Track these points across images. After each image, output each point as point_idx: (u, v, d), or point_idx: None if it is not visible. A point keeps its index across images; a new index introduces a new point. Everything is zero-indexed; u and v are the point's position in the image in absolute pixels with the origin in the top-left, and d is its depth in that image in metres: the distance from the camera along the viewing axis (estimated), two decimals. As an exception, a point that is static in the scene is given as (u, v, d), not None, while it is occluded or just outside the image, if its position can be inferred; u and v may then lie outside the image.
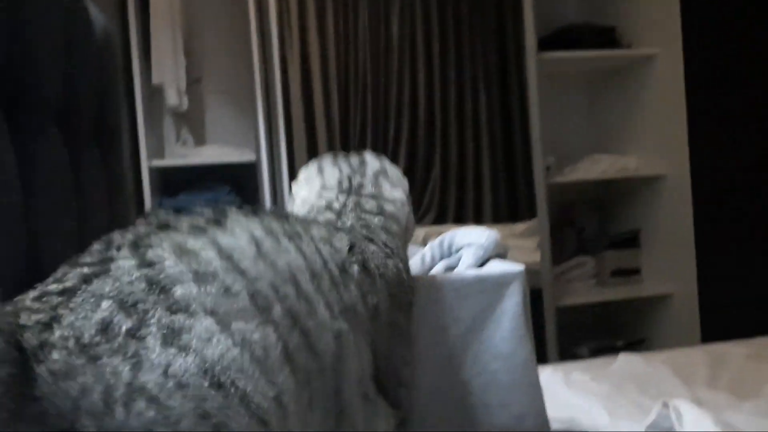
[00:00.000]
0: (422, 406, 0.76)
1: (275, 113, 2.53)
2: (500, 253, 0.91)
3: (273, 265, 0.54)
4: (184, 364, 0.45)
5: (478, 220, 3.02)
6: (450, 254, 0.97)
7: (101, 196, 1.14)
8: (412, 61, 2.97)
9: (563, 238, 2.86)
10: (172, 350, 0.45)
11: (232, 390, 0.46)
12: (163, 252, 0.49)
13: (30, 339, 0.43)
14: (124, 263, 0.48)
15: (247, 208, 0.58)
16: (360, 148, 2.95)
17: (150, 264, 0.48)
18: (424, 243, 2.68)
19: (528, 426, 0.80)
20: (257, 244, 0.54)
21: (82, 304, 0.45)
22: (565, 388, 1.46)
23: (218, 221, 0.54)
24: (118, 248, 0.50)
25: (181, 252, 0.49)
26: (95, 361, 0.43)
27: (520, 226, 2.95)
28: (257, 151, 2.55)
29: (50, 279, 0.49)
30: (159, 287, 0.47)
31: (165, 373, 0.44)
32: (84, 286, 0.46)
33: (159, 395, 0.43)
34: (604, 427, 1.18)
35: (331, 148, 2.91)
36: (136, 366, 0.43)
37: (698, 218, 2.51)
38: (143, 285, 0.47)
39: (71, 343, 0.43)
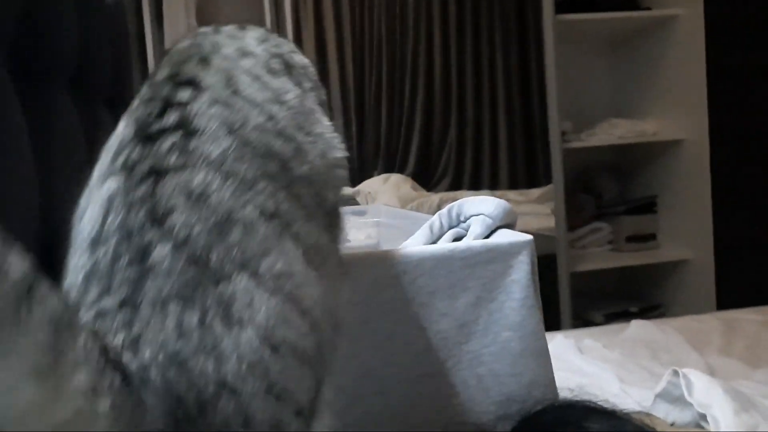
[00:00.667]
0: (433, 376, 0.77)
1: (289, 78, 2.51)
2: (509, 222, 0.91)
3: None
4: (247, 339, 0.43)
5: (494, 185, 3.01)
6: (458, 223, 0.97)
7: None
8: (428, 25, 2.93)
9: (580, 203, 2.84)
10: (235, 329, 0.43)
11: (284, 348, 0.45)
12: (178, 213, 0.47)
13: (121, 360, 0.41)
14: (161, 251, 0.45)
15: None
16: (375, 114, 2.94)
17: (184, 241, 0.45)
18: (438, 208, 2.70)
19: (537, 394, 0.80)
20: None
21: (153, 315, 0.43)
22: (576, 354, 1.47)
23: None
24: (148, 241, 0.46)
25: (193, 199, 0.47)
26: (184, 366, 0.41)
27: (536, 192, 2.94)
28: (271, 117, 2.54)
29: (94, 289, 0.45)
30: (200, 261, 0.45)
31: (239, 358, 0.43)
32: (140, 294, 0.44)
33: (236, 384, 0.42)
34: (614, 395, 1.19)
35: (345, 113, 2.90)
36: (217, 359, 0.42)
37: (716, 184, 2.48)
38: (188, 266, 0.44)
39: (161, 357, 0.42)
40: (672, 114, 2.64)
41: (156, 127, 0.50)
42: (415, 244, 0.94)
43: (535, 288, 0.82)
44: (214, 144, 0.49)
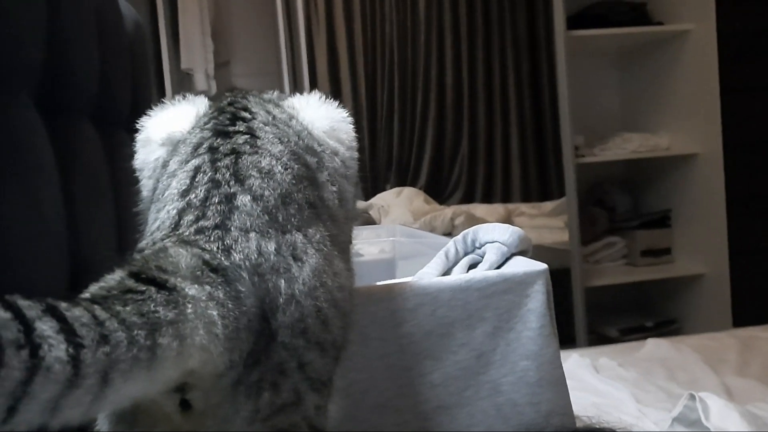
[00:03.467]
0: (451, 405, 0.78)
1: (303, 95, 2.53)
2: (524, 249, 0.92)
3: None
4: (307, 272, 0.56)
5: (506, 198, 3.01)
6: (473, 249, 0.98)
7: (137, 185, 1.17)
8: (439, 39, 2.95)
9: (593, 217, 2.84)
10: (299, 262, 0.56)
11: (324, 289, 0.57)
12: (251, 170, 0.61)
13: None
14: (243, 199, 0.58)
15: None
16: (387, 127, 2.95)
17: (260, 197, 0.59)
18: (451, 221, 2.71)
19: (555, 423, 0.81)
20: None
21: (240, 236, 0.55)
22: (592, 373, 1.47)
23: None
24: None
25: (264, 173, 0.61)
26: (263, 277, 0.53)
27: (548, 205, 2.94)
28: (285, 133, 2.56)
29: (190, 216, 0.58)
30: (271, 214, 0.57)
31: (303, 281, 0.55)
32: (230, 222, 0.56)
33: (301, 299, 0.54)
34: (631, 416, 1.19)
35: (357, 127, 2.90)
36: (288, 280, 0.54)
37: (730, 198, 2.48)
38: (263, 214, 0.57)
39: (247, 263, 0.53)
40: (685, 128, 2.64)
41: (231, 128, 0.65)
42: (431, 272, 0.95)
43: (551, 316, 0.82)
44: (273, 145, 0.64)
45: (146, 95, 1.35)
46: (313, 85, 2.67)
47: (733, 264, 2.50)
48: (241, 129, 0.65)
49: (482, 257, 0.94)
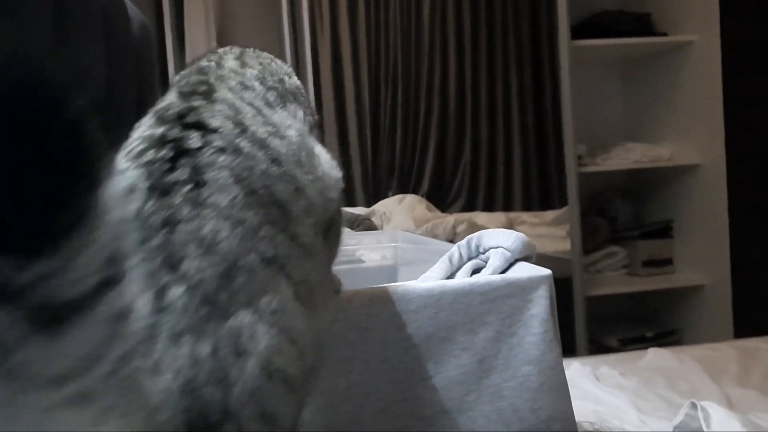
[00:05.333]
0: (453, 410, 0.78)
1: (306, 101, 2.54)
2: (528, 255, 0.92)
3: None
4: (250, 368, 0.48)
5: (508, 207, 3.01)
6: (477, 254, 0.98)
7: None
8: (443, 48, 2.96)
9: (595, 227, 2.84)
10: (241, 358, 0.48)
11: (276, 376, 0.50)
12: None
13: None
14: (176, 292, 0.49)
15: None
16: (390, 134, 2.96)
17: (197, 284, 0.50)
18: (453, 229, 2.71)
19: (556, 429, 0.81)
20: None
21: (169, 346, 0.47)
22: (594, 382, 1.47)
23: None
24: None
25: (204, 247, 0.52)
26: (197, 393, 0.47)
27: (550, 214, 2.94)
28: (288, 139, 2.57)
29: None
30: (211, 301, 0.49)
31: (243, 385, 0.48)
32: (158, 328, 0.48)
33: (238, 410, 0.47)
34: (631, 425, 1.18)
35: (360, 134, 2.92)
36: (225, 387, 0.47)
37: (733, 209, 2.48)
38: (201, 305, 0.49)
39: (176, 384, 0.46)
40: (688, 139, 2.65)
41: (169, 179, 0.53)
42: (435, 276, 0.95)
43: (554, 322, 0.82)
44: (223, 193, 0.53)
45: (152, 97, 1.35)
46: (317, 91, 2.67)
47: (734, 275, 2.49)
48: (183, 177, 0.52)
49: (486, 262, 0.94)
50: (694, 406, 1.08)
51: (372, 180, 2.95)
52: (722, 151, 2.47)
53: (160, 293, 0.48)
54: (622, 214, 2.91)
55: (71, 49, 0.93)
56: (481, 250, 0.97)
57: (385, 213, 2.89)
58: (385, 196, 2.97)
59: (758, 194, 2.60)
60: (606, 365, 1.58)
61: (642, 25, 2.66)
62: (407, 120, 2.98)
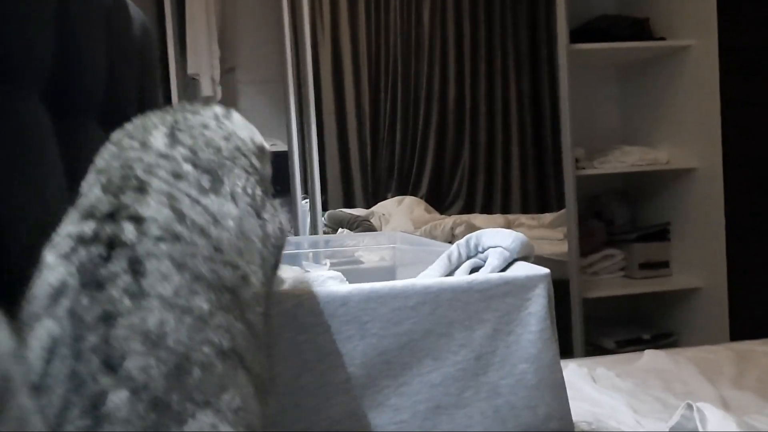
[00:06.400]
0: (450, 406, 0.79)
1: (307, 103, 2.55)
2: (526, 255, 0.93)
3: None
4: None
5: (506, 209, 3.03)
6: (476, 253, 0.99)
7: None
8: (442, 52, 2.97)
9: (592, 229, 2.85)
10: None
11: None
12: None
13: None
14: (116, 398, 0.44)
15: None
16: (389, 136, 2.97)
17: (143, 387, 0.45)
18: (451, 231, 2.72)
19: (553, 427, 0.82)
20: None
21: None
22: (590, 383, 1.48)
23: None
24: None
25: (150, 342, 0.47)
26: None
27: (548, 216, 2.95)
28: (288, 140, 2.58)
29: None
30: (161, 405, 0.44)
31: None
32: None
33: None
34: (627, 425, 1.19)
35: (360, 136, 2.93)
36: None
37: (729, 212, 2.49)
38: (148, 411, 0.44)
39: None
40: (685, 142, 2.66)
41: (104, 273, 0.47)
42: (434, 274, 0.96)
43: (551, 321, 0.83)
44: (166, 282, 0.48)
45: (153, 98, 1.36)
46: (318, 95, 2.69)
47: (730, 278, 2.50)
48: (120, 267, 0.47)
49: (485, 261, 0.95)
50: (689, 407, 1.09)
51: (371, 181, 2.96)
52: (719, 155, 2.48)
53: (97, 402, 0.42)
54: (619, 216, 2.92)
55: (73, 50, 0.94)
56: (480, 249, 0.98)
57: (384, 214, 2.90)
58: (384, 198, 2.99)
59: (754, 198, 2.61)
60: (602, 366, 1.59)
61: (640, 29, 2.67)
62: (407, 122, 2.99)
